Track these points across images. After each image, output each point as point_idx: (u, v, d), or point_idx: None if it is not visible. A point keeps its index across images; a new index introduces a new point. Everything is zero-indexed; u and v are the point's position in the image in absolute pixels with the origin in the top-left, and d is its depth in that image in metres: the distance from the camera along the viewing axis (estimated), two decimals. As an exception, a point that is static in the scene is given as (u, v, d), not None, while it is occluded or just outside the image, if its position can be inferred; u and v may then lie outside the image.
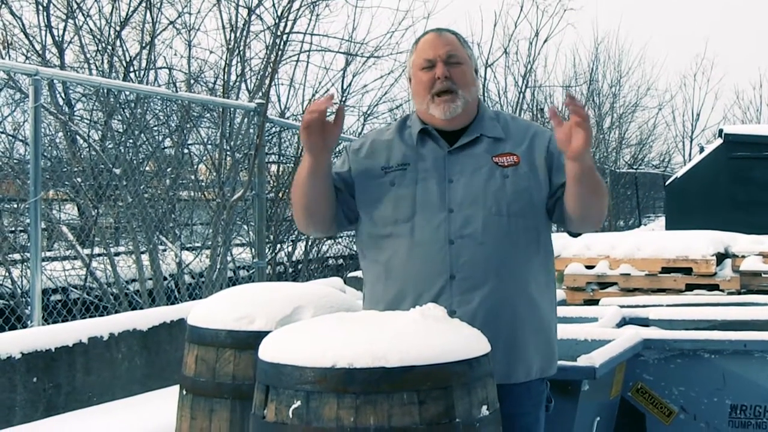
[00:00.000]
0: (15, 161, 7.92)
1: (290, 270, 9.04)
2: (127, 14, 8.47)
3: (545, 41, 17.12)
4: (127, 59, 8.54)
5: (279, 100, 10.17)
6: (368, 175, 2.64)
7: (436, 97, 2.59)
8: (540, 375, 2.61)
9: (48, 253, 7.56)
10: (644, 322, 4.63)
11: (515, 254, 2.52)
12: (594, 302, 6.31)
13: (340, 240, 10.04)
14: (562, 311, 4.73)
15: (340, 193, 2.65)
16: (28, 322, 4.72)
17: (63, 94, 8.13)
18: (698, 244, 6.91)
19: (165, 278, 7.27)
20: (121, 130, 7.61)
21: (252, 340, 2.46)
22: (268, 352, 2.10)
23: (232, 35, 8.72)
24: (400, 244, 2.56)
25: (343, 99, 10.69)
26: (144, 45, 8.57)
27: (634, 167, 24.29)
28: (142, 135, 7.71)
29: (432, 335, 2.07)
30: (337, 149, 9.55)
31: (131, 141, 7.50)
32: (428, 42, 2.64)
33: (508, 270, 2.52)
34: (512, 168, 2.59)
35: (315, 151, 2.51)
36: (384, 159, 2.65)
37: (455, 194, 2.56)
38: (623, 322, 4.57)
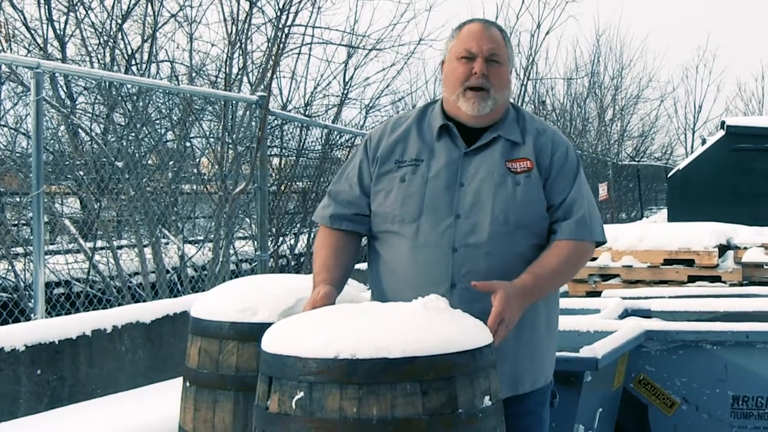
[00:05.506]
0: (17, 155, 7.92)
1: (293, 263, 9.03)
2: (128, 7, 8.46)
3: (547, 33, 17.05)
4: (129, 52, 8.52)
5: (281, 93, 10.13)
6: (383, 167, 2.59)
7: (468, 90, 2.52)
8: (545, 382, 2.61)
9: (51, 247, 7.58)
10: (646, 314, 4.62)
11: (519, 265, 2.45)
12: (596, 294, 6.31)
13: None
14: (564, 303, 4.74)
15: (366, 218, 2.62)
16: (32, 316, 4.73)
17: (65, 88, 8.11)
18: (700, 236, 6.90)
19: (168, 271, 7.28)
20: (123, 124, 7.61)
21: (255, 331, 2.47)
22: (271, 343, 2.11)
23: (234, 28, 8.70)
24: (405, 244, 2.51)
25: (345, 92, 10.68)
26: (146, 38, 8.56)
27: (636, 159, 24.27)
28: (144, 128, 7.70)
29: (434, 326, 2.07)
30: (344, 141, 9.57)
31: (133, 134, 7.50)
32: (473, 33, 2.55)
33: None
34: (524, 175, 2.51)
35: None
36: (399, 152, 2.59)
37: (464, 199, 2.49)
38: (625, 314, 4.57)
